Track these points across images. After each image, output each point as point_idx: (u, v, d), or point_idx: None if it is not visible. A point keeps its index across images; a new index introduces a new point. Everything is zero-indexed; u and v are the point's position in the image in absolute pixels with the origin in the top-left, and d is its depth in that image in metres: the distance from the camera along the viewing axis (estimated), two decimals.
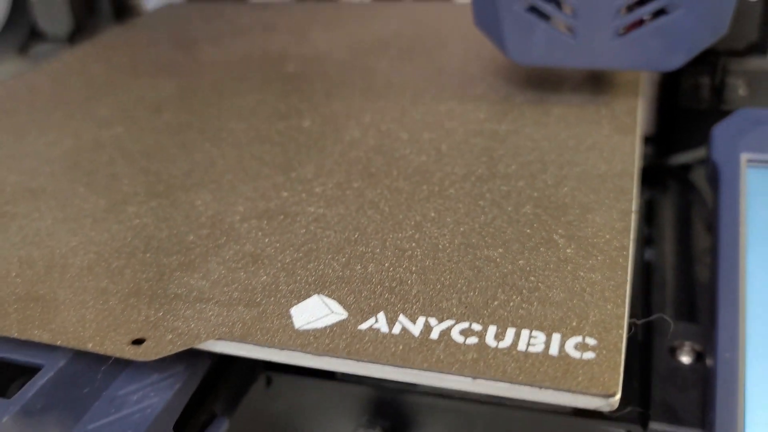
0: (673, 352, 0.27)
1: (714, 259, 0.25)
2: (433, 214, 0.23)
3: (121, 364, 0.22)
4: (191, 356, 0.22)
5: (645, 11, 0.27)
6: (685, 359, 0.26)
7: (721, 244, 0.25)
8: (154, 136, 0.29)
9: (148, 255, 0.22)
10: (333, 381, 0.27)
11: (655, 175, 0.38)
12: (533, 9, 0.28)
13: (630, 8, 0.27)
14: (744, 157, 0.26)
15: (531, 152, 0.26)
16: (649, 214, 0.35)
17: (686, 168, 0.37)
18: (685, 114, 0.38)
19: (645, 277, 0.31)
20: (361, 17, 0.43)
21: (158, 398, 0.21)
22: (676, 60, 0.27)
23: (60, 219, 0.24)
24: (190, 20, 0.45)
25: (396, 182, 0.25)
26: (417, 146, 0.27)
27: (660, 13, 0.27)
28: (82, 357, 0.21)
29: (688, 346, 0.27)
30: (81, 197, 0.25)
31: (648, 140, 0.41)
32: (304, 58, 0.36)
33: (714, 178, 0.26)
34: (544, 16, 0.28)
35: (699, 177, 0.36)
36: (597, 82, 0.31)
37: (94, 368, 0.21)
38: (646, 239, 0.33)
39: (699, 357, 0.26)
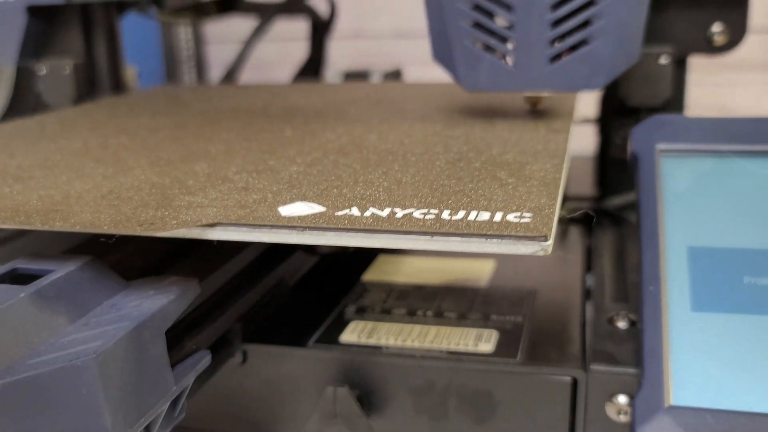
0: (611, 321, 0.30)
1: (639, 222, 0.29)
2: (397, 167, 0.27)
3: (122, 285, 0.25)
4: (183, 282, 0.25)
5: (570, 42, 0.33)
6: (621, 324, 0.30)
7: (643, 210, 0.29)
8: (154, 141, 0.34)
9: (153, 190, 0.25)
10: (305, 348, 0.30)
11: (595, 218, 0.43)
12: (481, 44, 0.34)
13: (559, 40, 0.33)
14: (658, 147, 0.31)
15: (480, 142, 0.31)
16: (590, 259, 0.40)
17: (620, 208, 0.42)
18: (617, 164, 0.43)
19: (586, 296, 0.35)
20: (334, 88, 0.49)
21: (154, 305, 0.23)
22: (598, 82, 0.33)
23: (74, 177, 0.28)
24: (182, 92, 0.50)
25: (366, 156, 0.29)
26: (383, 140, 0.31)
27: (583, 44, 0.33)
28: (87, 269, 0.24)
29: (623, 314, 0.30)
30: (91, 167, 0.29)
31: (590, 198, 0.46)
32: (286, 107, 0.42)
33: (635, 166, 0.31)
34: (489, 50, 0.34)
35: (631, 215, 0.41)
36: (537, 113, 0.36)
37: (98, 280, 0.24)
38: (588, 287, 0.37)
39: (633, 323, 0.30)
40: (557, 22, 0.32)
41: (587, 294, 0.34)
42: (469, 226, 0.21)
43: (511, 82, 0.34)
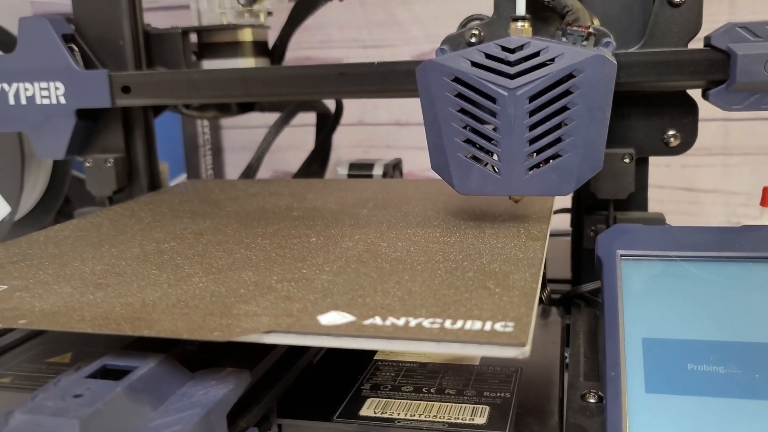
0: (583, 397, 0.36)
1: (602, 316, 0.35)
2: (407, 277, 0.33)
3: (189, 376, 0.31)
4: (237, 373, 0.31)
5: (544, 156, 0.40)
6: (592, 400, 0.36)
7: (606, 306, 0.35)
8: (201, 246, 0.40)
9: (214, 299, 0.32)
10: (331, 422, 0.36)
11: (571, 300, 0.49)
12: (471, 156, 0.41)
13: (535, 153, 0.40)
14: (619, 252, 0.37)
15: (471, 250, 0.37)
16: (567, 338, 0.46)
17: (593, 293, 0.49)
18: (588, 253, 0.50)
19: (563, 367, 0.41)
20: (344, 187, 0.56)
21: (217, 394, 0.30)
22: (568, 189, 0.40)
23: (143, 285, 0.34)
24: (210, 189, 0.58)
25: (380, 265, 0.36)
26: (393, 249, 0.38)
27: (555, 156, 0.40)
28: (164, 365, 0.30)
29: (593, 392, 0.36)
30: (155, 275, 0.35)
31: (566, 281, 0.53)
32: (305, 208, 0.48)
33: (599, 267, 0.38)
34: (478, 161, 0.41)
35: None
36: (518, 216, 0.43)
37: (172, 374, 0.30)
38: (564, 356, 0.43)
39: (601, 399, 0.36)
40: (534, 140, 0.39)
41: (565, 370, 0.41)
42: (466, 334, 0.27)
43: (496, 187, 0.41)
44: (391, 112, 0.91)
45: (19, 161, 0.64)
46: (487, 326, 0.28)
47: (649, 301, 0.35)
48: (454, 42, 0.47)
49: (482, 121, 0.40)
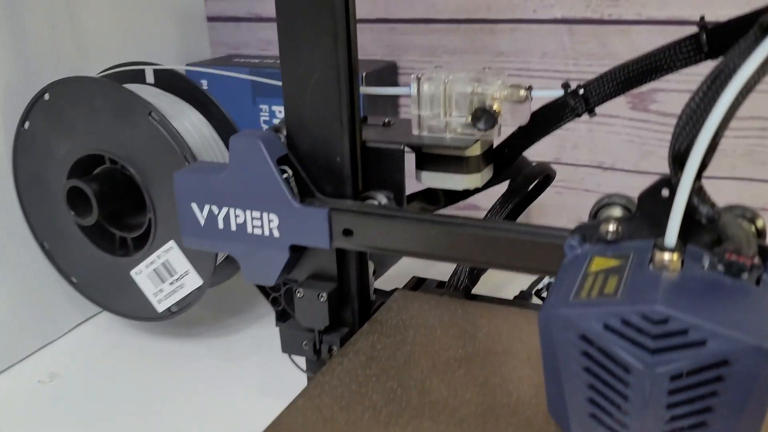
0: None
1: None
2: None
3: None
4: None
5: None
6: None
7: None
8: None
9: None
10: None
11: None
12: (594, 416, 0.35)
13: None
14: None
15: None
16: None
17: None
18: None
19: None
20: None
21: None
22: None
23: None
24: (427, 318, 0.51)
25: None
26: None
27: None
28: None
29: None
30: None
31: None
32: None
33: None
34: (603, 423, 0.35)
35: None
36: None
37: None
38: None
39: None
40: (672, 419, 0.33)
41: None
42: None
43: None
44: (593, 154, 0.81)
45: None
46: None
47: None
48: (588, 233, 0.39)
49: (611, 387, 0.35)
